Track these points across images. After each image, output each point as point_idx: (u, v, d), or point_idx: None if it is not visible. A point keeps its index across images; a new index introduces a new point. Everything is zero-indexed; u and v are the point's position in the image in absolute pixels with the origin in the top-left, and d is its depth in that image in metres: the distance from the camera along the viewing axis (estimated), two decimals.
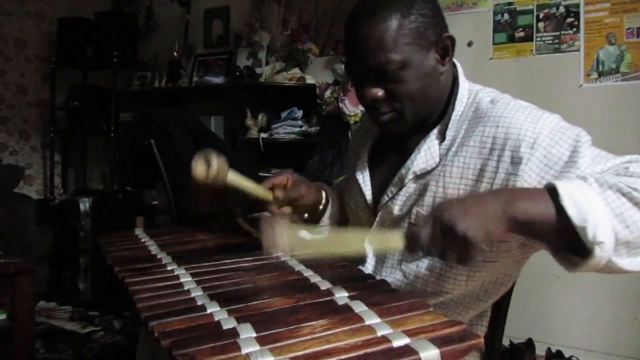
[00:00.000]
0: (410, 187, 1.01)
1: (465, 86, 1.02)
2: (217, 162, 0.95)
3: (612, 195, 0.74)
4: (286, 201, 1.07)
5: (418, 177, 1.00)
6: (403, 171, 1.01)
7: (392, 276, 1.01)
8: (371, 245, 0.83)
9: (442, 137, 0.99)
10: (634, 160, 0.83)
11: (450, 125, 0.98)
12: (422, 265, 0.99)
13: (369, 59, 0.94)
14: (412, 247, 0.77)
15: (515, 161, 0.88)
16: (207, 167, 0.94)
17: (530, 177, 0.87)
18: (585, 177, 0.78)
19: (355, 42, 0.95)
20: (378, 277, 0.98)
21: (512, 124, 0.90)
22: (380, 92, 0.96)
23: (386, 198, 1.04)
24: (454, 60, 1.04)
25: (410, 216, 1.00)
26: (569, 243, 0.75)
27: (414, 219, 0.98)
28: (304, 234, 0.80)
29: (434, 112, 1.01)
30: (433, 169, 0.98)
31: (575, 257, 0.76)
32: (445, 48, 0.97)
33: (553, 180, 0.79)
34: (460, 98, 1.00)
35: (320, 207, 1.17)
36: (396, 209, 1.02)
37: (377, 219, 1.05)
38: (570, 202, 0.72)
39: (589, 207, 0.72)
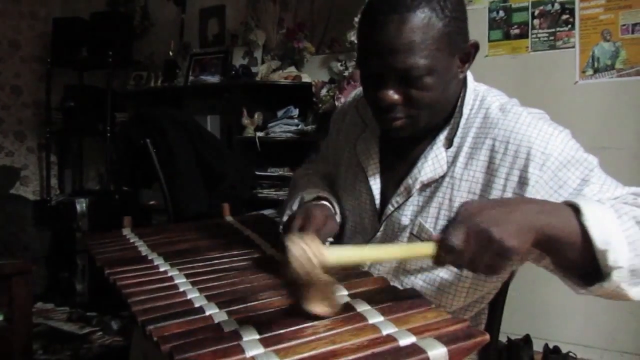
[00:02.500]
0: (417, 197, 0.97)
1: (471, 87, 0.97)
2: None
3: (627, 222, 0.73)
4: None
5: (425, 186, 0.96)
6: (410, 181, 0.96)
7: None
8: (400, 255, 0.78)
9: (449, 143, 0.94)
10: (636, 193, 0.82)
11: (457, 132, 0.94)
12: (420, 277, 0.96)
13: (395, 61, 0.85)
14: (445, 254, 0.69)
15: (523, 181, 0.86)
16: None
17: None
18: (602, 201, 0.77)
19: (381, 40, 0.86)
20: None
21: (522, 141, 0.87)
22: (398, 97, 0.89)
23: (391, 208, 0.99)
24: None
25: (413, 227, 0.95)
26: (584, 264, 0.73)
27: (439, 224, 0.93)
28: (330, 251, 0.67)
29: (444, 117, 0.96)
30: (440, 178, 0.94)
31: (582, 280, 0.75)
32: (468, 54, 0.92)
33: (571, 200, 0.76)
34: (467, 100, 0.96)
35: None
36: (404, 220, 0.97)
37: (382, 228, 1.00)
38: (594, 224, 0.70)
39: (611, 230, 0.70)
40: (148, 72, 3.72)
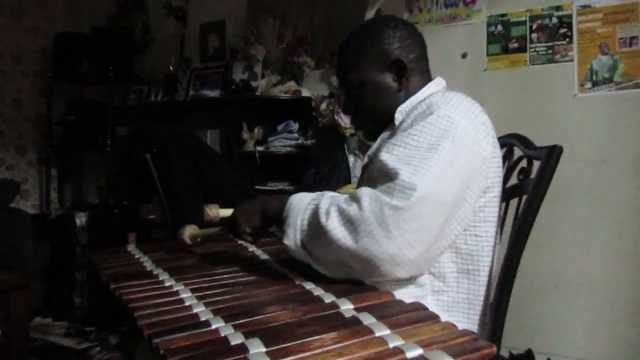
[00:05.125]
0: (367, 171, 1.16)
1: (427, 90, 1.13)
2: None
3: (309, 212, 0.93)
4: None
5: (371, 161, 1.14)
6: (365, 158, 1.19)
7: None
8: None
9: (393, 126, 1.13)
10: (395, 185, 0.87)
11: (396, 115, 1.11)
12: None
13: (339, 78, 1.21)
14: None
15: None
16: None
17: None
18: (323, 193, 0.97)
19: (336, 63, 1.22)
20: None
21: (422, 112, 1.00)
22: (349, 105, 1.20)
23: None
24: (439, 77, 1.16)
25: None
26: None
27: None
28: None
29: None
30: None
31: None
32: (399, 69, 1.11)
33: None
34: (418, 97, 1.12)
35: None
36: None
37: None
38: (286, 209, 0.98)
39: (288, 217, 0.96)
40: (149, 87, 3.73)
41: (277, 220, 1.01)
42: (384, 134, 1.14)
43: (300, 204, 0.96)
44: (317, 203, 0.93)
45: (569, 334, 2.37)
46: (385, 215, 0.84)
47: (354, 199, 0.89)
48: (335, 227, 0.87)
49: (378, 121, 1.15)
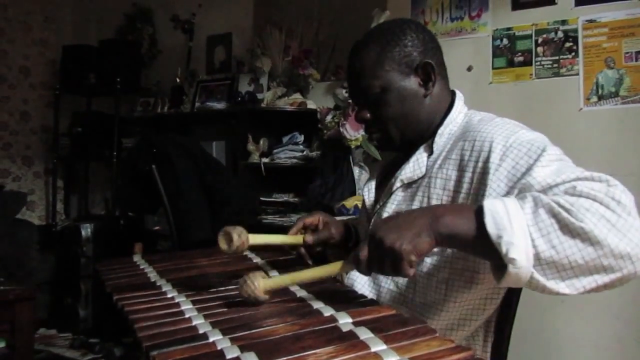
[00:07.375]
0: (399, 195, 1.09)
1: (459, 109, 1.09)
2: (237, 238, 0.97)
3: (543, 214, 0.74)
4: (317, 243, 1.17)
5: (406, 186, 1.08)
6: (393, 180, 1.10)
7: (386, 286, 1.08)
8: (315, 274, 0.90)
9: (430, 150, 1.06)
10: (588, 178, 0.79)
11: (436, 140, 1.06)
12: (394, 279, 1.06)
13: (355, 84, 1.09)
14: (358, 267, 0.83)
15: (485, 171, 0.93)
16: (230, 242, 0.97)
17: (499, 187, 0.90)
18: (525, 195, 0.78)
19: (348, 70, 1.10)
20: (369, 288, 1.09)
21: (486, 137, 0.95)
22: (367, 115, 1.09)
23: (377, 206, 1.13)
24: (456, 90, 1.12)
25: None
26: (493, 257, 0.76)
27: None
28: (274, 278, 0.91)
29: (425, 130, 1.09)
30: (420, 179, 1.05)
31: (500, 271, 0.77)
32: (426, 73, 1.06)
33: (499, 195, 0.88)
34: (454, 118, 1.07)
35: (350, 244, 1.25)
36: (385, 216, 1.07)
37: (370, 226, 1.12)
38: (490, 219, 0.75)
39: (508, 225, 0.74)
40: (155, 99, 3.76)
41: (465, 237, 0.78)
42: (421, 157, 1.07)
43: (510, 209, 0.75)
44: (542, 202, 0.75)
45: (575, 349, 2.34)
46: (628, 208, 0.76)
47: (582, 194, 0.75)
48: (594, 225, 0.72)
49: (402, 129, 1.08)
